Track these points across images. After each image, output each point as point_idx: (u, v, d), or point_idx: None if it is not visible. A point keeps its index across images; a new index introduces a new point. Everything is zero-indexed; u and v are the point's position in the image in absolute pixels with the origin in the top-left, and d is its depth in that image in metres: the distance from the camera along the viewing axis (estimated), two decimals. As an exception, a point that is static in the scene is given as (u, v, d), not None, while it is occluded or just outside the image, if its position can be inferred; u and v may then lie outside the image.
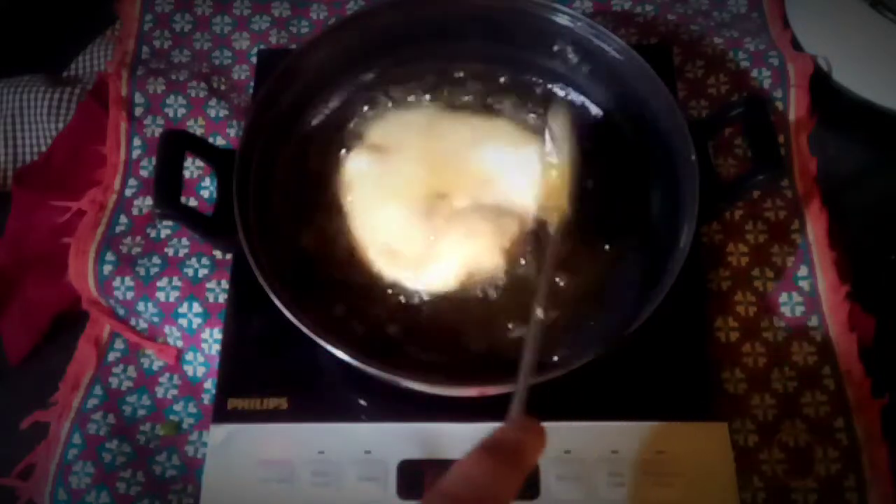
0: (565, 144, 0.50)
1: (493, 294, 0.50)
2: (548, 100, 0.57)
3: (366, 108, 0.57)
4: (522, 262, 0.51)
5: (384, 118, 0.56)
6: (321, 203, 0.53)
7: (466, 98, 0.57)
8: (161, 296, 0.57)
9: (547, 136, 0.51)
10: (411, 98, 0.57)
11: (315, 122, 0.57)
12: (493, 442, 0.35)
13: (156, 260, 0.58)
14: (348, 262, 0.51)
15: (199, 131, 0.63)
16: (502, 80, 0.58)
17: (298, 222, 0.53)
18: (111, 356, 0.57)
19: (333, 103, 0.57)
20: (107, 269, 0.57)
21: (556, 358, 0.47)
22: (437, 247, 0.50)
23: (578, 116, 0.54)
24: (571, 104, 0.57)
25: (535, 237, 0.51)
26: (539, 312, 0.43)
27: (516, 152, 0.53)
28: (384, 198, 0.52)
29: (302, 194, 0.54)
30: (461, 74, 0.58)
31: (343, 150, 0.55)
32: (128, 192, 0.61)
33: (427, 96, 0.57)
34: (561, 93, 0.58)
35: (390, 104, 0.57)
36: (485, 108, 0.56)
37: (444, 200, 0.51)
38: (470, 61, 0.58)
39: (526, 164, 0.52)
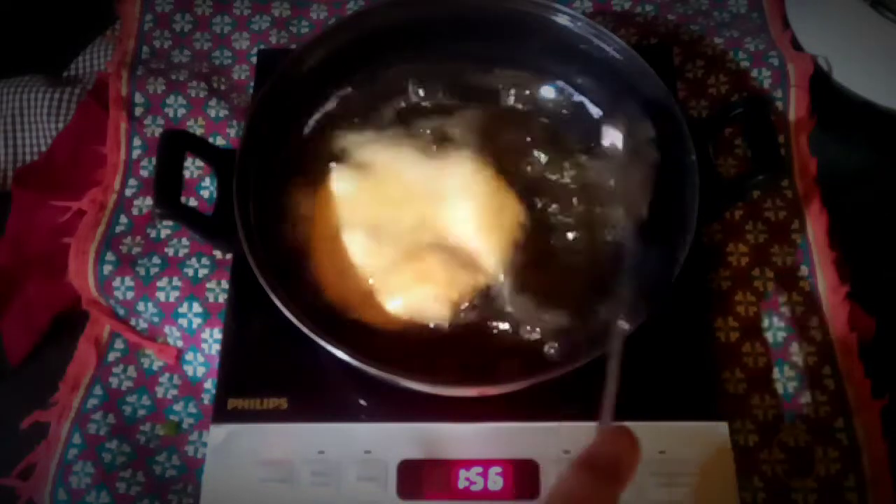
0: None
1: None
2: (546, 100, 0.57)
3: (356, 119, 0.56)
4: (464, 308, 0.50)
5: (371, 137, 0.55)
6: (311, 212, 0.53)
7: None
8: (161, 296, 0.57)
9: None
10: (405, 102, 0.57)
11: (315, 122, 0.57)
12: (588, 457, 0.35)
13: (156, 260, 0.58)
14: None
15: (199, 131, 0.63)
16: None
17: (298, 223, 0.53)
18: (111, 356, 0.57)
19: (332, 104, 0.57)
20: (107, 269, 0.57)
21: (555, 357, 0.47)
22: (386, 281, 0.49)
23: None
24: (573, 104, 0.58)
25: (486, 292, 0.50)
26: (623, 324, 0.42)
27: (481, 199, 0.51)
28: (352, 220, 0.51)
29: (299, 196, 0.54)
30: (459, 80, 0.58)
31: (331, 163, 0.54)
32: (128, 192, 0.61)
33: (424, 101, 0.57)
34: (561, 92, 0.58)
35: (377, 121, 0.56)
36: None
37: (411, 233, 0.50)
38: (470, 61, 0.58)
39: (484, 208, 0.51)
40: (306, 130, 0.56)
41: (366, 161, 0.53)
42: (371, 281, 0.49)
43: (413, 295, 0.49)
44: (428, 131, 0.55)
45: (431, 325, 0.49)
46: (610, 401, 0.38)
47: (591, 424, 0.48)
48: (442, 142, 0.54)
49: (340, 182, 0.52)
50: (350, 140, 0.54)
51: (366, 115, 0.57)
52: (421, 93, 0.57)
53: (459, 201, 0.51)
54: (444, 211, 0.51)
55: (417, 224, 0.50)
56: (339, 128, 0.56)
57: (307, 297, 0.50)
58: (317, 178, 0.53)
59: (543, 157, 0.54)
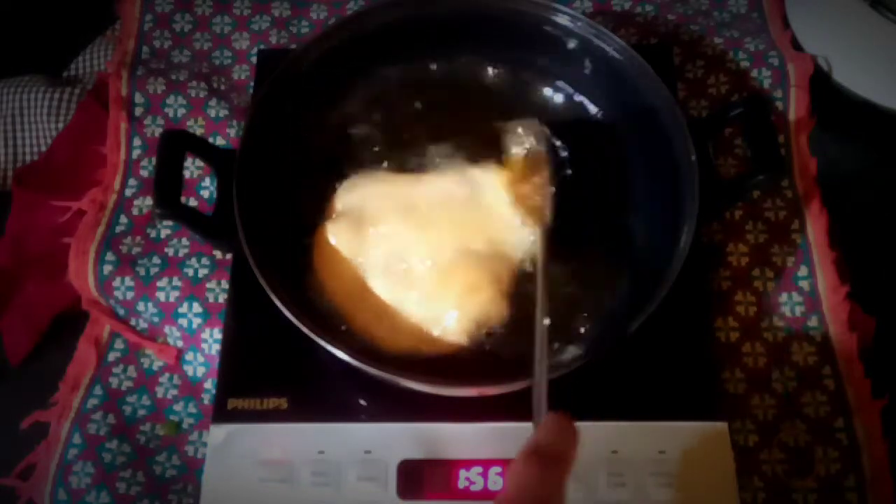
0: (540, 155, 0.51)
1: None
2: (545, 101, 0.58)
3: (355, 130, 0.57)
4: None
5: (357, 184, 0.54)
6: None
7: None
8: (161, 296, 0.57)
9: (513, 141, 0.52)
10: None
11: (314, 122, 0.57)
12: (530, 447, 0.37)
13: (156, 260, 0.58)
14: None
15: (199, 131, 0.63)
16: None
17: (298, 223, 0.53)
18: (111, 356, 0.57)
19: (331, 105, 0.57)
20: (107, 269, 0.57)
21: (555, 357, 0.47)
22: (434, 311, 0.49)
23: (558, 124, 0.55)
24: (573, 104, 0.58)
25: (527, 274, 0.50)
26: (544, 321, 0.44)
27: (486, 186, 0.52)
28: (369, 276, 0.51)
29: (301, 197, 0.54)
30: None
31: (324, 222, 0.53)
32: (128, 192, 0.61)
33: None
34: (561, 92, 0.58)
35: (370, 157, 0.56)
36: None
37: (428, 262, 0.50)
38: (469, 61, 0.58)
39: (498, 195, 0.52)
40: (306, 129, 0.56)
41: (363, 208, 0.52)
42: (407, 308, 0.50)
43: (469, 305, 0.49)
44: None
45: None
46: (541, 390, 0.41)
47: (592, 424, 0.49)
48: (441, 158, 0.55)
49: (338, 238, 0.52)
50: (344, 190, 0.54)
51: (367, 119, 0.57)
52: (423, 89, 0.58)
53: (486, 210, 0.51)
54: (466, 222, 0.51)
55: (435, 243, 0.50)
56: (337, 125, 0.56)
57: (307, 297, 0.50)
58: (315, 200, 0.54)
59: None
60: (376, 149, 0.56)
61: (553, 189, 0.51)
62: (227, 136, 0.62)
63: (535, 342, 0.43)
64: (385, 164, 0.55)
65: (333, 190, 0.54)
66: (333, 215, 0.53)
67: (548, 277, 0.47)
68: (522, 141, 0.53)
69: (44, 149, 0.65)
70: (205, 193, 0.61)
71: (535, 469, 0.36)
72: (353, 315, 0.50)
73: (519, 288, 0.50)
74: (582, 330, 0.50)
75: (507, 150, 0.53)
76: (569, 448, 0.37)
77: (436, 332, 0.49)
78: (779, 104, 0.61)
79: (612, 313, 0.51)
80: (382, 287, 0.50)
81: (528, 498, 0.36)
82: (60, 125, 0.64)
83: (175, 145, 0.53)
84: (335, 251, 0.51)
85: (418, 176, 0.53)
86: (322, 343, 0.45)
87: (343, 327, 0.50)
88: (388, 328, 0.49)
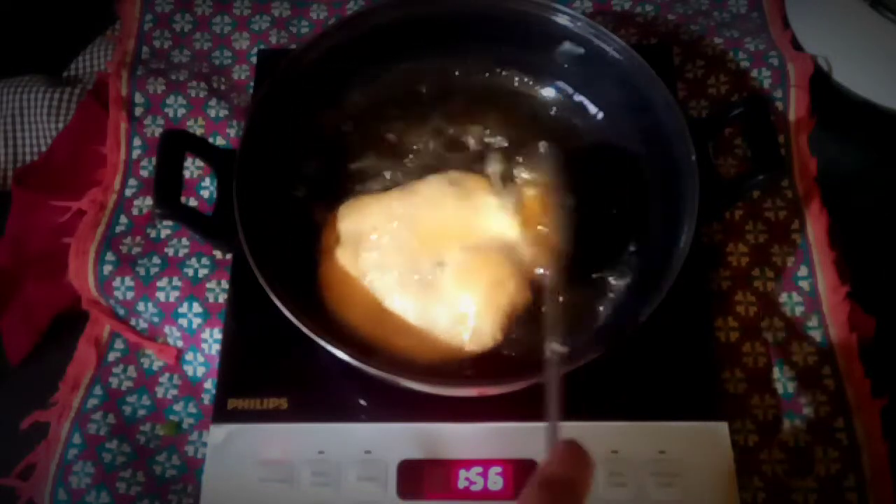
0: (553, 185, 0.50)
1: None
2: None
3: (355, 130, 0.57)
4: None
5: (352, 208, 0.52)
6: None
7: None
8: (161, 296, 0.57)
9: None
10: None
11: (314, 122, 0.57)
12: (543, 478, 0.35)
13: (156, 260, 0.58)
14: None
15: (199, 131, 0.63)
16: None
17: (298, 223, 0.53)
18: (111, 356, 0.57)
19: (331, 105, 0.57)
20: (107, 269, 0.57)
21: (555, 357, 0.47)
22: (461, 313, 0.48)
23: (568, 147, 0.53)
24: (573, 104, 0.58)
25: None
26: (556, 346, 0.42)
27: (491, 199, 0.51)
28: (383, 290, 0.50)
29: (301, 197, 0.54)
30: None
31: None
32: (128, 192, 0.61)
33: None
34: (561, 93, 0.58)
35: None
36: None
37: (440, 266, 0.49)
38: (469, 61, 0.58)
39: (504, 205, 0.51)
40: (306, 129, 0.56)
41: (361, 232, 0.51)
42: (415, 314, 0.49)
43: (495, 300, 0.48)
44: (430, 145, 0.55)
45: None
46: (553, 422, 0.38)
47: (592, 424, 0.49)
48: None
49: (347, 267, 0.51)
50: (342, 216, 0.52)
51: (366, 118, 0.57)
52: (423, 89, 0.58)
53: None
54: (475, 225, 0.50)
55: (443, 246, 0.49)
56: (337, 124, 0.56)
57: (307, 296, 0.50)
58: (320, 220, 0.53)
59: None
60: (376, 149, 0.56)
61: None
62: (227, 136, 0.62)
63: (548, 373, 0.41)
64: (385, 164, 0.55)
65: (334, 190, 0.54)
66: (336, 244, 0.51)
67: (559, 305, 0.46)
68: (536, 169, 0.52)
69: (44, 149, 0.65)
70: (205, 193, 0.61)
71: (548, 498, 0.34)
72: (378, 336, 0.49)
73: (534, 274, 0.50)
74: (580, 330, 0.50)
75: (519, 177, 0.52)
76: (584, 479, 0.35)
77: (466, 335, 0.48)
78: (779, 104, 0.61)
79: (612, 313, 0.51)
80: (401, 303, 0.49)
81: None
82: (60, 125, 0.64)
83: (175, 145, 0.53)
84: (346, 280, 0.50)
85: (412, 185, 0.52)
86: (322, 343, 0.45)
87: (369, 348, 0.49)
88: (416, 343, 0.48)
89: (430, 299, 0.48)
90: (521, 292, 0.49)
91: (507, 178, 0.52)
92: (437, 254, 0.49)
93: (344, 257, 0.50)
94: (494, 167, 0.53)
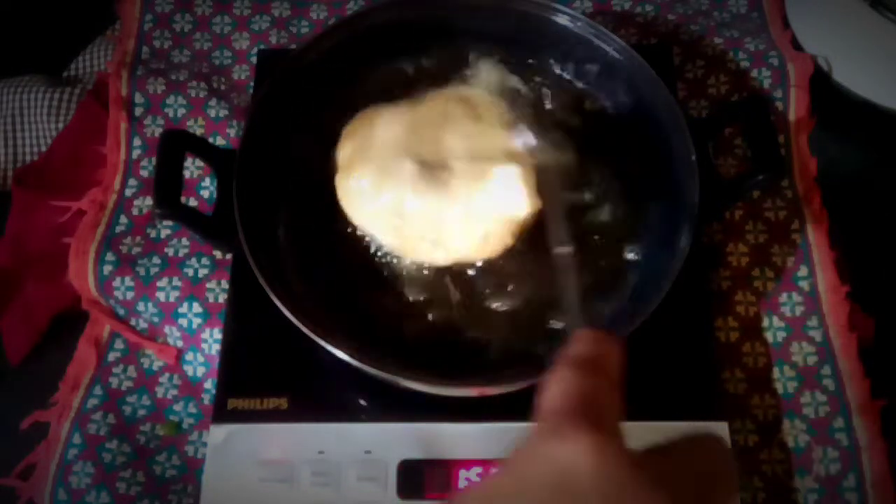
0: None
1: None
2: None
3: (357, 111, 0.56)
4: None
5: (368, 120, 0.53)
6: (319, 202, 0.53)
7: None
8: (161, 296, 0.57)
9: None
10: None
11: (314, 122, 0.57)
12: (570, 359, 0.31)
13: (156, 260, 0.58)
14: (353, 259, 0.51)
15: (199, 131, 0.63)
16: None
17: (298, 223, 0.53)
18: (111, 356, 0.57)
19: (331, 105, 0.57)
20: (107, 269, 0.57)
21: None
22: (476, 211, 0.48)
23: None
24: (573, 104, 0.57)
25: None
26: (563, 249, 0.42)
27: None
28: (385, 187, 0.49)
29: (300, 193, 0.54)
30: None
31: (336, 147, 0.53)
32: (128, 192, 0.61)
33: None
34: (560, 92, 0.58)
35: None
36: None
37: (445, 168, 0.49)
38: (469, 61, 0.58)
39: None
40: (306, 129, 0.56)
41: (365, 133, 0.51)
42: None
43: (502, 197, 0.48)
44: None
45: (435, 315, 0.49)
46: (575, 304, 0.37)
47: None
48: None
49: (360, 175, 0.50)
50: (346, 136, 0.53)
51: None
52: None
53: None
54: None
55: (453, 147, 0.49)
56: (337, 123, 0.56)
57: (307, 296, 0.50)
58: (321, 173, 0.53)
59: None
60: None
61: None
62: (227, 136, 0.62)
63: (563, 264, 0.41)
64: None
65: (333, 190, 0.54)
66: (350, 156, 0.51)
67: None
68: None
69: (44, 149, 0.65)
70: (205, 193, 0.61)
71: (582, 375, 0.30)
72: (397, 247, 0.50)
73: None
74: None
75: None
76: (613, 352, 0.31)
77: (481, 236, 0.48)
78: (779, 104, 0.61)
79: (612, 314, 0.51)
80: (415, 206, 0.48)
81: (582, 407, 0.29)
82: (60, 125, 0.64)
83: (175, 145, 0.53)
84: (363, 190, 0.50)
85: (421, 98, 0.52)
86: (322, 343, 0.45)
87: (392, 259, 0.51)
88: (431, 245, 0.49)
89: (442, 202, 0.48)
90: (533, 199, 0.48)
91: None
92: (446, 159, 0.49)
93: (359, 167, 0.50)
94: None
